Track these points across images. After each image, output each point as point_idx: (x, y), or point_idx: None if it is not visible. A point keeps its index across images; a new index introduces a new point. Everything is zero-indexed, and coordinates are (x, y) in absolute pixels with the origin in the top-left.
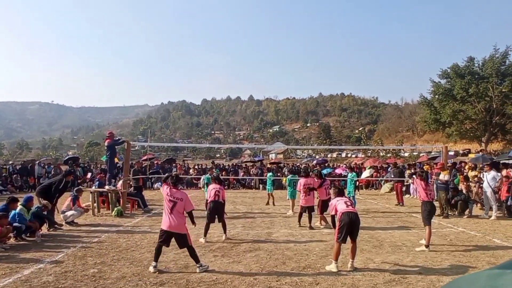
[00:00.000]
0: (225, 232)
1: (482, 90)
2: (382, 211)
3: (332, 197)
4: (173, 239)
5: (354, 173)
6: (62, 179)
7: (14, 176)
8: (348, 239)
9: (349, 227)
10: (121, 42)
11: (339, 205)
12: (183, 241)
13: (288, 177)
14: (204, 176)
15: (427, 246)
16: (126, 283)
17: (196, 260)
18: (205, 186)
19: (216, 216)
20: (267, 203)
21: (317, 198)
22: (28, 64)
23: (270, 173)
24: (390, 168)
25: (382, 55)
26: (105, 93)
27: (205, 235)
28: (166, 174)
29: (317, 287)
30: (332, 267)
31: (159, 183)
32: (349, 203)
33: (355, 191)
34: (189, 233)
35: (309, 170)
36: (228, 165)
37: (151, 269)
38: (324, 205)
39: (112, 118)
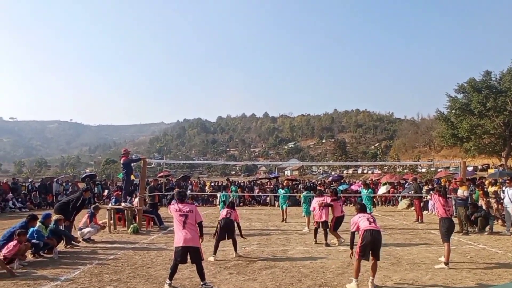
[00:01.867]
0: (235, 250)
1: (500, 104)
2: (399, 228)
3: (355, 213)
4: None
5: (370, 190)
6: (80, 196)
7: (33, 193)
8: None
9: (371, 244)
10: (139, 60)
11: (361, 222)
12: (197, 255)
13: (303, 194)
14: (219, 193)
15: (446, 263)
16: None
17: (202, 277)
18: (222, 203)
19: (227, 233)
20: (283, 220)
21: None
22: (47, 83)
23: (282, 190)
24: (407, 184)
25: (397, 70)
26: (122, 111)
27: (214, 253)
28: (177, 191)
29: None
30: (352, 286)
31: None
32: (371, 220)
33: (372, 207)
34: (201, 247)
35: (324, 188)
36: (244, 182)
37: (166, 286)
38: (337, 221)
39: (128, 136)
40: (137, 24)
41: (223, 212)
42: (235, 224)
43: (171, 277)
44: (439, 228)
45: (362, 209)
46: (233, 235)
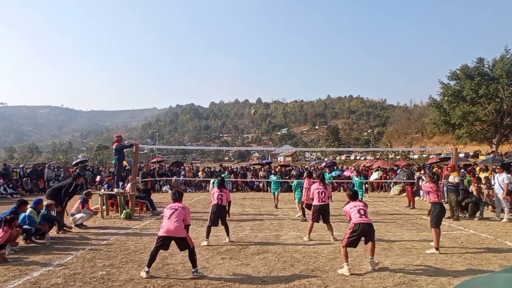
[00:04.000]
0: (228, 235)
1: (492, 91)
2: (391, 214)
3: (346, 199)
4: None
5: (362, 176)
6: (72, 182)
7: (25, 179)
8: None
9: (361, 236)
10: (130, 46)
11: (352, 214)
12: (185, 244)
13: (295, 181)
14: (212, 179)
15: (437, 248)
16: (134, 285)
17: (194, 264)
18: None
19: (220, 219)
20: (276, 206)
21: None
22: (38, 68)
23: (274, 176)
24: (399, 170)
25: (390, 56)
26: (114, 96)
27: (207, 238)
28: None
29: None
30: (344, 270)
31: (168, 185)
32: (362, 212)
33: (363, 194)
34: (189, 236)
35: (312, 172)
36: (237, 167)
37: (143, 274)
38: (316, 210)
39: (121, 121)
40: (129, 10)
41: (215, 196)
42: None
43: (149, 264)
44: (430, 213)
45: (353, 196)
46: (225, 220)
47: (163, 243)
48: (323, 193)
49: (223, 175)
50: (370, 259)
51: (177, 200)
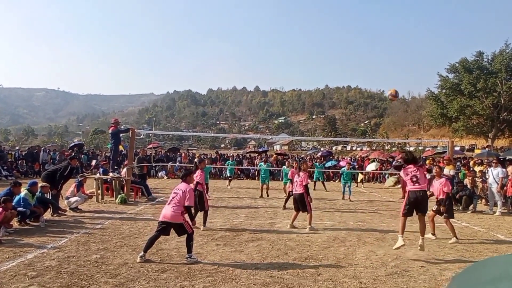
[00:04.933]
0: (204, 223)
1: (490, 86)
2: (385, 204)
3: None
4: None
5: (352, 168)
6: (68, 165)
7: (20, 161)
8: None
9: (414, 204)
10: (128, 30)
11: (407, 181)
12: (182, 230)
13: (284, 167)
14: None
15: (433, 234)
16: (128, 269)
17: (189, 249)
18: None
19: (199, 206)
20: (261, 196)
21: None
22: (34, 50)
23: (263, 164)
24: (394, 162)
25: (389, 48)
26: (111, 81)
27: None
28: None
29: (318, 277)
30: (398, 243)
31: (164, 171)
32: (415, 179)
33: (351, 184)
34: (187, 222)
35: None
36: (233, 155)
37: (138, 258)
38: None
39: (118, 106)
40: None
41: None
42: (204, 193)
43: (146, 249)
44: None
45: (408, 160)
46: (204, 207)
47: (162, 228)
48: (296, 182)
49: (229, 162)
50: (421, 240)
51: (184, 180)
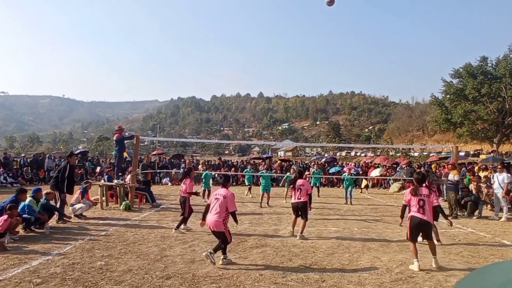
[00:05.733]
0: (182, 223)
1: (495, 91)
2: (390, 211)
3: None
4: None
5: (353, 174)
6: (66, 164)
7: (25, 168)
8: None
9: (417, 231)
10: (133, 37)
11: (412, 204)
12: (223, 238)
13: (287, 175)
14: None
15: (438, 240)
16: (132, 276)
17: (224, 251)
18: (204, 182)
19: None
20: (260, 205)
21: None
22: (40, 57)
23: (264, 171)
24: (398, 168)
25: (393, 53)
26: (116, 88)
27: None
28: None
29: (323, 284)
30: (414, 266)
31: (168, 178)
32: (421, 203)
33: (353, 189)
34: (228, 231)
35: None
36: (237, 161)
37: (221, 262)
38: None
39: (122, 113)
40: (134, 0)
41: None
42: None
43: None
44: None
45: (419, 181)
46: (184, 211)
47: (213, 233)
48: (299, 190)
49: (246, 170)
50: (434, 259)
51: (224, 186)
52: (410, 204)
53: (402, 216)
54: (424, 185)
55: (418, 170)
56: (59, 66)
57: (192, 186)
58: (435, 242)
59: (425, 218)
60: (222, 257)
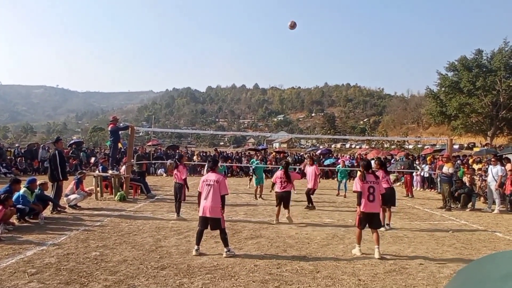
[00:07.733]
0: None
1: (490, 84)
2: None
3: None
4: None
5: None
6: (55, 151)
7: (19, 159)
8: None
9: (366, 219)
10: (127, 27)
11: (362, 195)
12: (217, 225)
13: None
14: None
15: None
16: (127, 266)
17: (226, 243)
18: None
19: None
20: (256, 197)
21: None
22: (33, 47)
23: (258, 162)
24: (393, 159)
25: (389, 46)
26: (110, 78)
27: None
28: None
29: (317, 275)
30: (355, 251)
31: (163, 169)
32: (371, 191)
33: (347, 181)
34: (223, 217)
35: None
36: (232, 152)
37: (194, 252)
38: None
39: (117, 103)
40: None
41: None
42: (183, 186)
43: (198, 242)
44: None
45: (367, 167)
46: (179, 198)
47: (203, 223)
48: (285, 182)
49: (252, 160)
50: (376, 248)
51: (212, 170)
52: (362, 191)
53: (359, 204)
54: (370, 171)
55: (364, 158)
56: (53, 56)
57: (186, 172)
58: (383, 228)
59: (373, 211)
60: (225, 249)
